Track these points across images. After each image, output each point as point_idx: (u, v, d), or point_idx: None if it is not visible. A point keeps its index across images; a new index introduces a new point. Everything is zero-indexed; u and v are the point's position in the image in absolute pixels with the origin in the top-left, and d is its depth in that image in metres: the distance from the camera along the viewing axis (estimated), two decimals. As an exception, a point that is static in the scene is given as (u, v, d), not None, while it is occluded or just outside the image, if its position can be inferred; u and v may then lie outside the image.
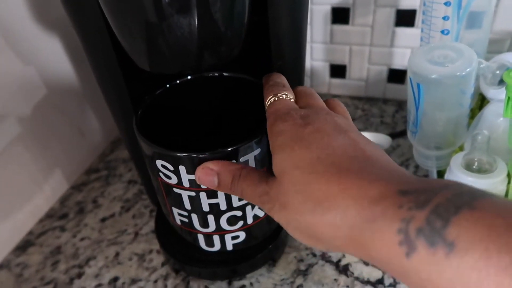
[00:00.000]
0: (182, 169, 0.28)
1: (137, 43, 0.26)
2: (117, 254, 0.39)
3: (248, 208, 0.31)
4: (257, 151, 0.28)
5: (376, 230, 0.18)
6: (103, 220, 0.43)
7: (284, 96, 0.27)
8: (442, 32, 0.39)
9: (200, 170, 0.26)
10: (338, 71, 0.57)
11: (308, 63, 0.57)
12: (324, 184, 0.20)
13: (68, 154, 0.47)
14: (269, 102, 0.27)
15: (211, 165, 0.26)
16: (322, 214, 0.20)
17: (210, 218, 0.31)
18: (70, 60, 0.45)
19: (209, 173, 0.26)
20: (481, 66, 0.37)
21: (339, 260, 0.37)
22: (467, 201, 0.16)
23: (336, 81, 0.58)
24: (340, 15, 0.52)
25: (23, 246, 0.41)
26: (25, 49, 0.39)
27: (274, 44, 0.31)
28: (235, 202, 0.30)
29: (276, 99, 0.26)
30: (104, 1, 0.25)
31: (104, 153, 0.52)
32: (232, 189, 0.26)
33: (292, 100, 0.27)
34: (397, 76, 0.54)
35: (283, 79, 0.30)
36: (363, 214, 0.18)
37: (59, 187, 0.46)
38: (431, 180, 0.19)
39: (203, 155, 0.27)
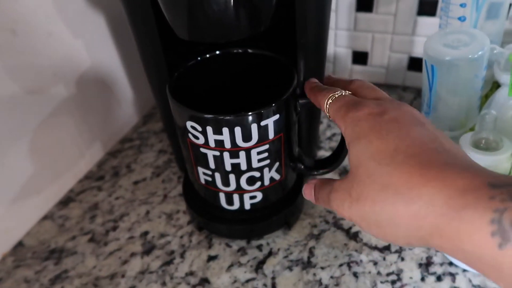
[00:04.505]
0: (209, 129, 0.31)
1: (179, 13, 0.29)
2: (147, 212, 0.43)
3: (266, 170, 0.35)
4: (275, 117, 0.32)
5: (466, 220, 0.17)
6: (136, 183, 0.47)
7: (342, 93, 0.27)
8: (459, 18, 0.41)
9: (306, 185, 0.29)
10: (360, 57, 0.59)
11: (331, 49, 0.59)
12: (405, 175, 0.20)
13: (105, 124, 0.51)
14: (329, 101, 0.27)
15: (312, 181, 0.29)
16: (406, 205, 0.19)
17: (232, 177, 0.34)
18: (113, 36, 0.49)
19: (310, 187, 0.29)
20: (495, 52, 0.39)
21: (350, 228, 0.40)
22: None
23: (358, 67, 0.60)
24: (364, 3, 0.54)
25: (65, 202, 0.46)
26: (75, 23, 0.44)
27: (299, 22, 0.34)
28: (255, 164, 0.34)
29: (336, 96, 0.27)
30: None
31: (137, 125, 0.57)
32: (315, 198, 0.28)
33: (351, 94, 0.27)
34: (417, 64, 0.56)
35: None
36: (451, 203, 0.18)
37: (96, 153, 0.51)
38: None
39: (228, 117, 0.31)
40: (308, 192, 0.29)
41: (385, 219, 0.21)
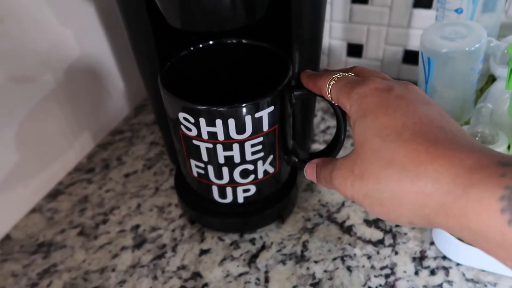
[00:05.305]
0: (202, 121, 0.31)
1: (171, 0, 0.28)
2: (138, 206, 0.43)
3: (260, 163, 0.34)
4: (270, 109, 0.31)
5: (474, 198, 0.17)
6: (127, 175, 0.47)
7: (344, 74, 0.26)
8: (456, 11, 0.41)
9: (308, 164, 0.29)
10: (355, 50, 0.58)
11: (326, 41, 0.59)
12: (411, 152, 0.19)
13: (95, 115, 0.50)
14: (331, 83, 0.26)
15: (314, 161, 0.28)
16: (411, 182, 0.19)
17: (225, 170, 0.34)
18: (103, 25, 0.48)
19: (312, 166, 0.28)
20: (491, 44, 0.39)
21: (344, 222, 0.40)
22: None
23: (353, 60, 0.59)
24: (359, -5, 0.53)
25: (54, 194, 0.45)
26: (64, 12, 0.42)
27: (294, 12, 0.33)
28: (248, 156, 0.33)
29: (339, 77, 0.26)
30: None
31: (129, 117, 0.56)
32: (317, 178, 0.27)
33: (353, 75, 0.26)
34: (412, 57, 0.56)
35: None
36: (458, 182, 0.18)
37: (86, 145, 0.50)
38: None
39: (221, 109, 0.30)
40: (310, 172, 0.28)
41: (388, 197, 0.20)
